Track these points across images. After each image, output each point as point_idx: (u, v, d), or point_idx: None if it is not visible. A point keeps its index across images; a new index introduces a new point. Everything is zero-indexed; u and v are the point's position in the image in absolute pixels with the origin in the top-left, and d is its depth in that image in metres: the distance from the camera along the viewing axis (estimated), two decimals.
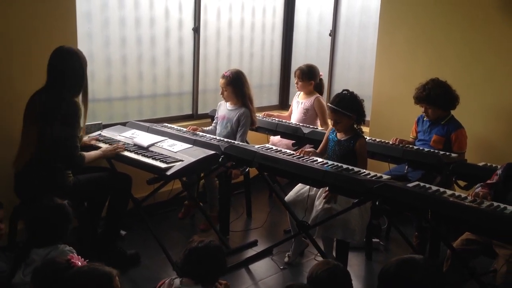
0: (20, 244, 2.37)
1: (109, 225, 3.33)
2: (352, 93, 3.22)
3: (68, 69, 3.02)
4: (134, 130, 3.77)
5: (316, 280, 2.12)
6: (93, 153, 3.23)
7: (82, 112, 3.07)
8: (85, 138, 3.55)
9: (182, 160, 3.13)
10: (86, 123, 3.85)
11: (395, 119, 4.40)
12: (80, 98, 3.10)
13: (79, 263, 1.91)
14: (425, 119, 3.77)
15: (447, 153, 3.43)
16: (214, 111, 4.22)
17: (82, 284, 1.83)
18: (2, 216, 2.63)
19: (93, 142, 3.51)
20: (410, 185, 2.64)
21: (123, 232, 3.72)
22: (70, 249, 2.33)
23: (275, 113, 4.77)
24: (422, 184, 2.66)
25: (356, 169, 2.94)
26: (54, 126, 2.92)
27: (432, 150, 3.52)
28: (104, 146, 3.43)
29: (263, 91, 5.43)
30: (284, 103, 5.54)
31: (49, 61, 3.03)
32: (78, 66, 3.05)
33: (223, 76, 3.94)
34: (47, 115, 2.93)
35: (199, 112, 4.72)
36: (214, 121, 4.15)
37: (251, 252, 3.66)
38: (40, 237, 2.33)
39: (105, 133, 3.73)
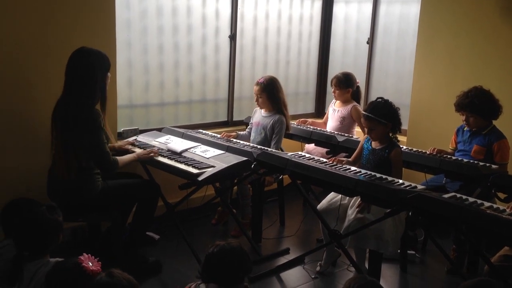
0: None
1: (133, 232, 3.33)
2: (386, 100, 3.17)
3: (85, 73, 2.98)
4: (168, 136, 3.82)
5: None
6: (126, 157, 3.28)
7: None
8: (120, 143, 3.62)
9: (214, 166, 3.15)
10: (123, 128, 3.95)
11: (433, 128, 4.29)
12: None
13: (90, 263, 1.90)
14: (465, 129, 3.65)
15: (487, 164, 3.31)
16: (249, 118, 4.23)
17: None
18: None
19: (127, 147, 3.55)
20: (446, 196, 2.56)
21: (156, 236, 3.77)
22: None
23: (310, 119, 4.74)
24: (458, 195, 2.57)
25: (389, 178, 2.88)
26: (76, 134, 2.95)
27: (471, 161, 3.41)
28: (138, 150, 3.48)
29: (299, 99, 5.41)
30: (320, 111, 5.50)
31: (67, 63, 3.01)
32: (92, 69, 2.99)
33: (258, 83, 3.95)
34: (68, 123, 2.95)
35: (234, 119, 4.74)
36: (249, 127, 4.17)
37: (282, 260, 3.63)
38: (25, 249, 2.16)
39: (141, 138, 3.80)
